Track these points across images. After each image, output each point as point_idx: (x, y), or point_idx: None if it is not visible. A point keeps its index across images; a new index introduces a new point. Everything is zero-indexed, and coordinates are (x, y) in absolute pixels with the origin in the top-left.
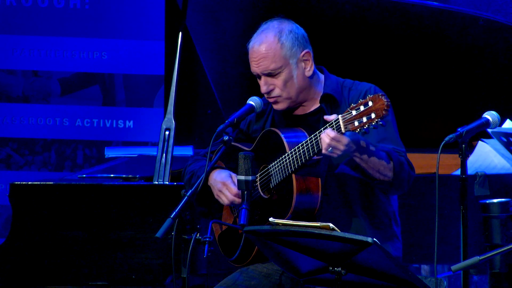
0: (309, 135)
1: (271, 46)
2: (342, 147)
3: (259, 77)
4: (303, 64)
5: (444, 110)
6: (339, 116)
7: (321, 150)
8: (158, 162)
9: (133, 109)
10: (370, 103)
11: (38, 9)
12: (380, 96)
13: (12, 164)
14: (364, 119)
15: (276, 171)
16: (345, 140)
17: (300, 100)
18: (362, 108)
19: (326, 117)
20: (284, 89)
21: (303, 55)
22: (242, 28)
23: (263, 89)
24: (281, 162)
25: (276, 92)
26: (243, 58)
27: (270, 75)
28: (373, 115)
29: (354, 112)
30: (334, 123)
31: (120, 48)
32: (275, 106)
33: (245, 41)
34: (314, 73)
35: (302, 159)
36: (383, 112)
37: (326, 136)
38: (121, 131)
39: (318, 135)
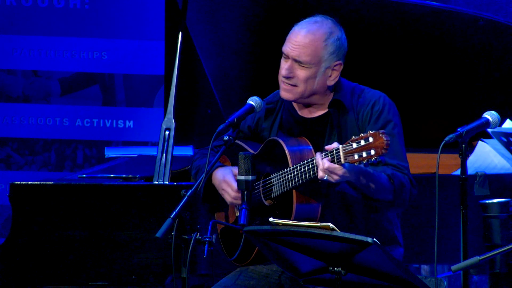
0: (314, 143)
1: (316, 41)
2: (336, 177)
3: (286, 58)
4: (330, 72)
5: (444, 110)
6: (340, 146)
7: None
8: (158, 162)
9: (133, 109)
10: (371, 139)
11: (38, 9)
12: (380, 134)
13: (12, 164)
14: (364, 154)
15: (278, 183)
16: (339, 171)
17: (309, 101)
18: (362, 142)
19: (327, 147)
20: (303, 83)
21: (335, 65)
22: (242, 28)
23: (284, 72)
24: (283, 175)
25: (294, 81)
26: (243, 58)
27: (299, 63)
28: (372, 152)
29: (354, 145)
30: (334, 152)
31: (120, 48)
32: (284, 93)
33: (245, 41)
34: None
35: (303, 178)
36: (383, 150)
37: (321, 166)
38: (121, 131)
39: (319, 158)
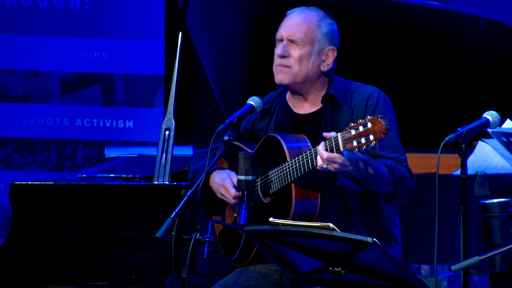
0: (311, 140)
1: (309, 21)
2: (336, 166)
3: (280, 41)
4: (324, 57)
5: (444, 110)
6: (338, 134)
7: None
8: (158, 162)
9: (133, 109)
10: (369, 125)
11: (38, 9)
12: (379, 119)
13: (12, 164)
14: (363, 140)
15: (276, 179)
16: (339, 159)
17: (302, 88)
18: (361, 128)
19: (325, 134)
20: (297, 63)
21: (328, 49)
22: (242, 28)
23: (279, 51)
24: (281, 170)
25: (289, 61)
26: (243, 58)
27: (293, 42)
28: (371, 137)
29: (353, 132)
30: (333, 140)
31: (120, 48)
32: (277, 75)
33: (245, 41)
34: (326, 72)
35: (301, 171)
36: (381, 135)
37: (320, 156)
38: (121, 131)
39: (317, 148)
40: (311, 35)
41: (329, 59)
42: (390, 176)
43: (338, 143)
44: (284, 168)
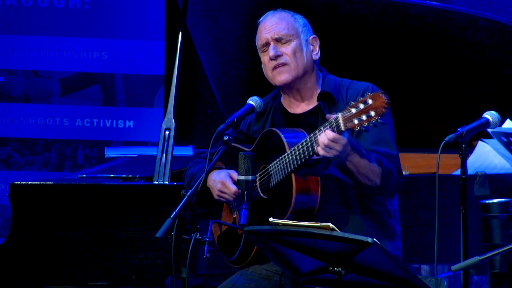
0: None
1: (285, 17)
2: (339, 148)
3: (267, 46)
4: (311, 47)
5: (444, 110)
6: (339, 114)
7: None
8: (158, 162)
9: (133, 109)
10: (370, 101)
11: (38, 9)
12: (380, 94)
13: (12, 164)
14: (364, 117)
15: (276, 171)
16: (343, 140)
17: (302, 82)
18: (361, 106)
19: (328, 116)
20: (293, 57)
21: (312, 39)
22: (242, 28)
23: (271, 53)
24: (280, 161)
25: (285, 59)
26: (243, 58)
27: (280, 40)
28: (372, 113)
29: (353, 110)
30: (334, 121)
31: (120, 48)
32: (279, 77)
33: (245, 41)
34: (317, 65)
35: (301, 158)
36: (383, 110)
37: (325, 136)
38: (121, 131)
39: (318, 133)
40: (293, 29)
41: (316, 47)
42: (378, 167)
43: (339, 122)
44: (283, 159)
